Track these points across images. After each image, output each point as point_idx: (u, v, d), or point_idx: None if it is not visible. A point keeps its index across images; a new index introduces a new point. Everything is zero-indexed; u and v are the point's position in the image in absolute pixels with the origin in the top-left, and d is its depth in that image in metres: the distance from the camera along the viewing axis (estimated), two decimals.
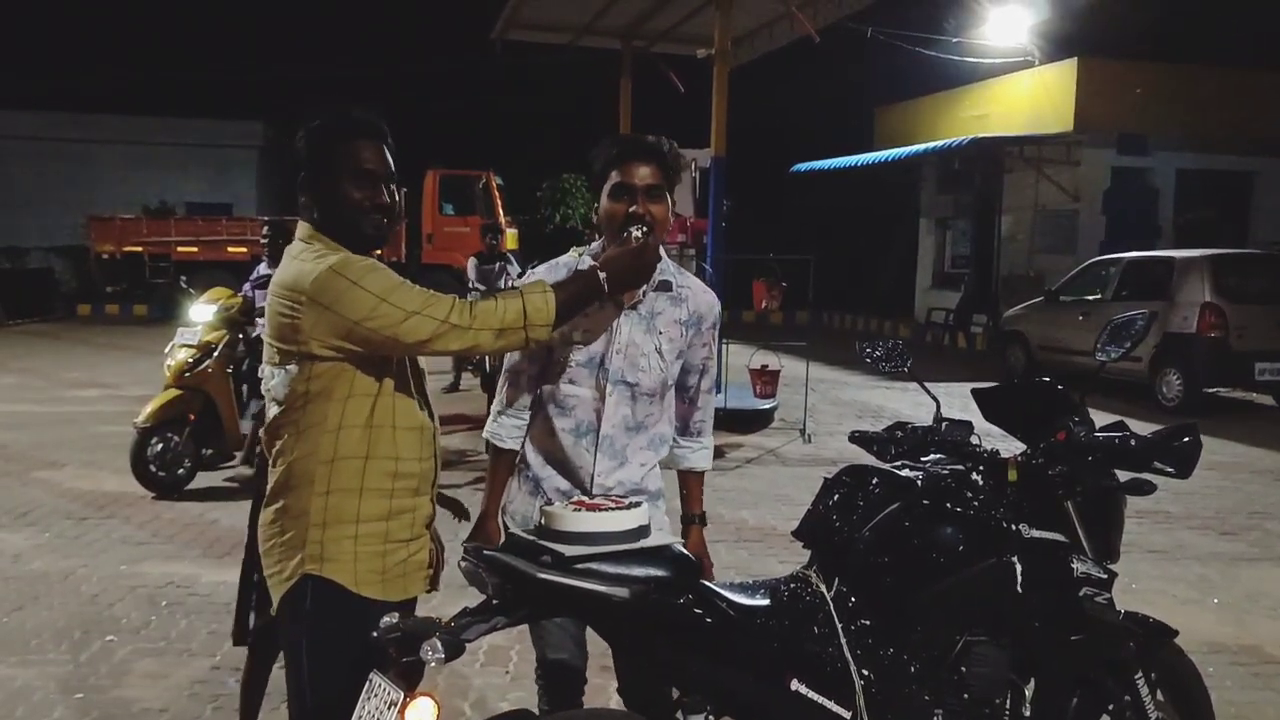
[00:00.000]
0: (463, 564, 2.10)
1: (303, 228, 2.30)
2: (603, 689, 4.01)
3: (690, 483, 2.86)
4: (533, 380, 2.71)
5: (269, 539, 2.28)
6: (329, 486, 2.20)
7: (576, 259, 2.68)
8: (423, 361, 2.39)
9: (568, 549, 2.03)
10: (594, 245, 2.72)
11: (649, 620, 2.09)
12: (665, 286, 2.66)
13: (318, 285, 2.11)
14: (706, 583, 2.20)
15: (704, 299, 2.71)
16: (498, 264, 11.34)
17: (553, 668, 2.72)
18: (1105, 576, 2.58)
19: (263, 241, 7.74)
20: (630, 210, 2.52)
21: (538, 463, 2.69)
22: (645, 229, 2.48)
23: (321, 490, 2.20)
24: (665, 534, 2.42)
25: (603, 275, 2.30)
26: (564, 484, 2.65)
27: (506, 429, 2.72)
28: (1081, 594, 2.52)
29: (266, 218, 9.21)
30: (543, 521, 2.13)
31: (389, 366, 2.23)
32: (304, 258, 2.20)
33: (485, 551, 2.07)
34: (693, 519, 2.83)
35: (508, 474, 2.74)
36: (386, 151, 2.29)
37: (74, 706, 3.86)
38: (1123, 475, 2.60)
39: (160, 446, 6.89)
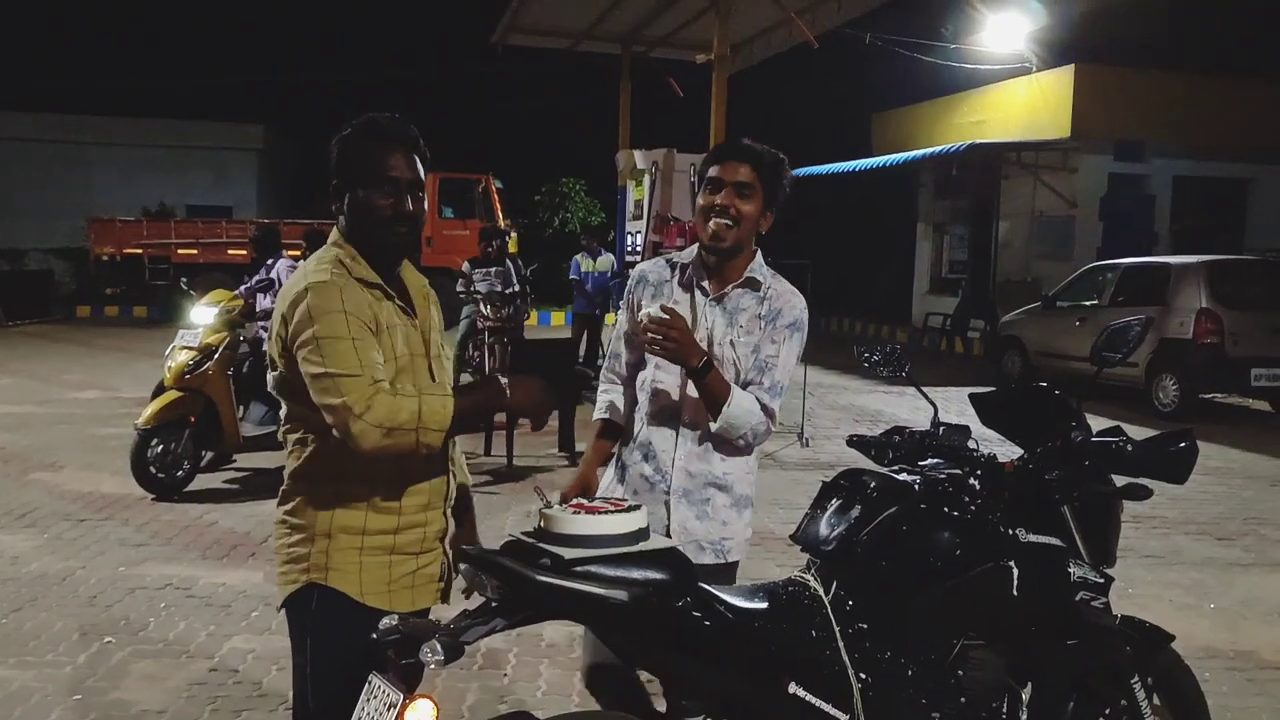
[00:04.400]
0: (462, 567, 2.11)
1: (332, 235, 2.34)
2: None
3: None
4: (630, 365, 2.89)
5: (278, 539, 2.30)
6: (335, 501, 2.22)
7: (665, 265, 2.86)
8: (440, 372, 2.40)
9: (567, 552, 2.04)
10: (686, 252, 2.85)
11: (647, 623, 2.10)
12: (752, 285, 2.77)
13: (292, 297, 2.19)
14: (705, 586, 2.21)
15: (788, 298, 2.79)
16: (495, 269, 11.35)
17: (595, 673, 2.73)
18: (1102, 581, 2.59)
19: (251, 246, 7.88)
20: (715, 204, 2.68)
21: (628, 448, 2.82)
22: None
23: (327, 504, 2.22)
24: (710, 524, 2.55)
25: (505, 385, 2.25)
26: (647, 469, 2.75)
27: (599, 402, 2.95)
28: (1078, 598, 2.53)
29: (254, 221, 9.31)
30: (542, 524, 2.14)
31: (403, 379, 2.23)
32: (307, 268, 2.26)
33: (484, 554, 2.08)
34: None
35: (601, 443, 2.93)
36: (416, 159, 2.28)
37: (72, 708, 3.86)
38: (1119, 480, 2.62)
39: (160, 448, 6.89)
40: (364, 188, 2.24)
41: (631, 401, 2.87)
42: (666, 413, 2.74)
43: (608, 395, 2.95)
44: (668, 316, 2.55)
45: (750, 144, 2.74)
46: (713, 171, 2.72)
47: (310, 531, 2.23)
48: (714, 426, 2.66)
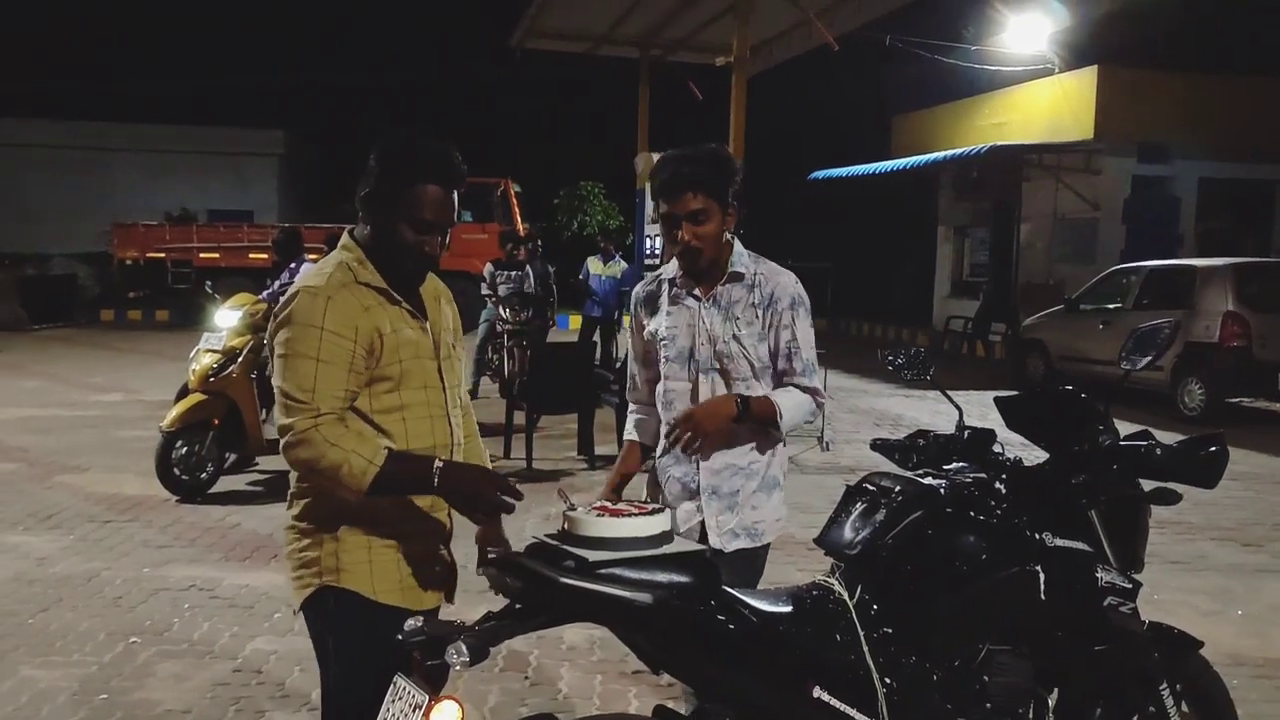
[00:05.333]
0: (487, 569, 2.11)
1: (344, 237, 2.35)
2: (621, 694, 4.03)
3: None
4: (648, 383, 3.02)
5: (289, 544, 2.33)
6: (340, 504, 2.23)
7: (656, 282, 2.98)
8: (449, 374, 2.41)
9: (591, 554, 2.03)
10: (671, 266, 2.93)
11: (671, 626, 2.09)
12: (737, 277, 2.84)
13: (283, 301, 2.24)
14: (729, 589, 2.21)
15: (778, 279, 2.86)
16: (515, 272, 11.38)
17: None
18: (1130, 586, 2.57)
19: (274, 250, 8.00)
20: (677, 239, 2.74)
21: (661, 460, 2.93)
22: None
23: (333, 507, 2.24)
24: (741, 512, 2.61)
25: (437, 471, 2.19)
26: (678, 470, 2.86)
27: (629, 424, 3.07)
28: (1106, 604, 2.51)
29: (275, 225, 9.43)
30: (566, 526, 2.14)
31: (408, 383, 2.27)
32: (314, 268, 2.31)
33: (509, 556, 2.08)
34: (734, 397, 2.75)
35: (629, 461, 3.02)
36: (454, 197, 2.28)
37: (98, 708, 3.88)
38: (1147, 485, 2.59)
39: (184, 450, 6.93)
40: (398, 218, 2.24)
41: (658, 420, 2.97)
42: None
43: (635, 416, 3.07)
44: (683, 433, 2.65)
45: (687, 166, 2.74)
46: (662, 208, 2.78)
47: (319, 535, 2.27)
48: (780, 435, 2.82)
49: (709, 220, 2.74)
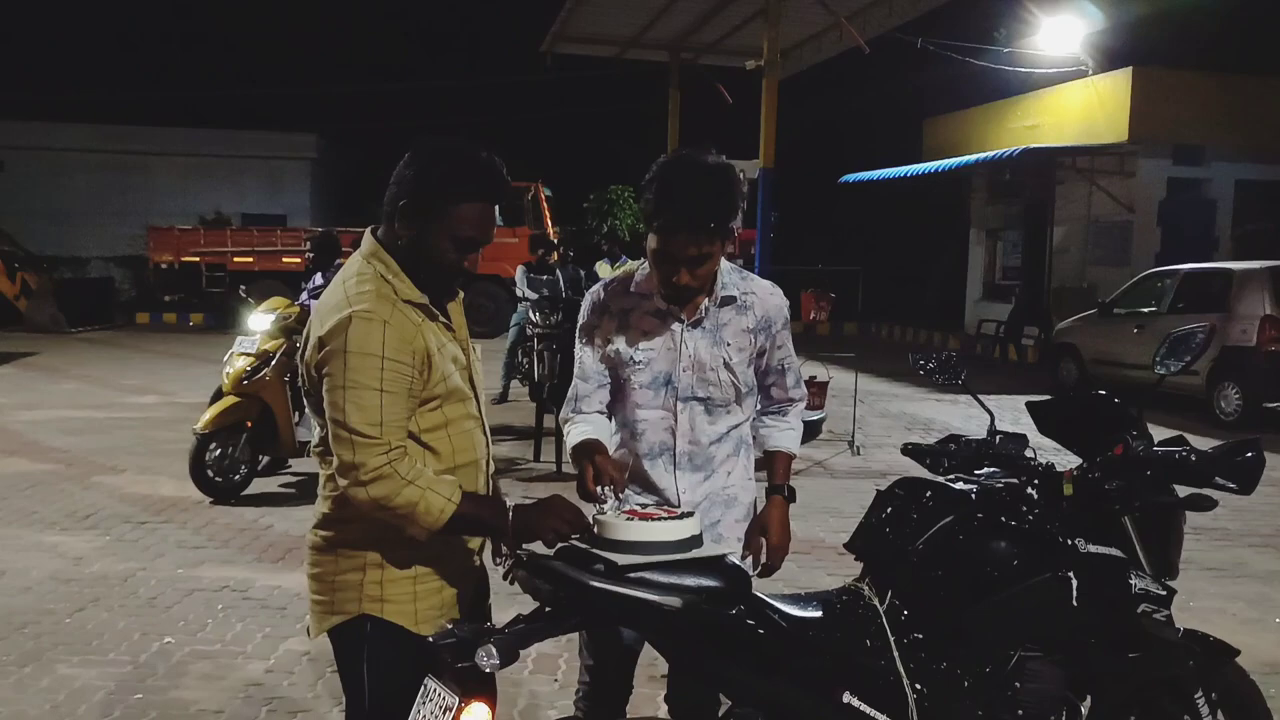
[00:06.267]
0: (518, 572, 2.12)
1: (368, 242, 2.22)
2: (651, 698, 4.02)
3: (775, 460, 2.80)
4: (603, 404, 2.72)
5: (317, 564, 2.22)
6: (383, 528, 2.13)
7: (625, 293, 2.69)
8: (479, 384, 2.35)
9: (620, 558, 2.04)
10: (644, 275, 2.67)
11: (701, 630, 2.09)
12: (728, 301, 2.63)
13: (332, 324, 2.08)
14: (758, 594, 2.20)
15: (771, 302, 2.69)
16: (546, 276, 11.41)
17: (597, 675, 2.74)
18: (1164, 593, 2.54)
19: (307, 255, 8.00)
20: (672, 280, 2.49)
21: (581, 496, 2.57)
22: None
23: (375, 531, 2.15)
24: (721, 544, 2.44)
25: (511, 511, 2.16)
26: (646, 500, 2.63)
27: (572, 435, 2.66)
28: (1139, 610, 2.48)
29: (308, 229, 9.50)
30: (596, 530, 2.14)
31: (451, 398, 2.19)
32: (348, 286, 2.15)
33: (538, 559, 2.09)
34: (775, 489, 2.75)
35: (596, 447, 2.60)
36: (496, 212, 2.21)
37: (132, 707, 3.93)
38: (1182, 491, 2.56)
39: (218, 452, 7.00)
40: (440, 232, 2.14)
41: (608, 430, 2.71)
42: (659, 448, 2.66)
43: (583, 425, 2.66)
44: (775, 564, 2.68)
45: (702, 209, 2.41)
46: (658, 244, 2.46)
47: (361, 560, 2.17)
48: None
49: (712, 260, 2.50)
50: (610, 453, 2.59)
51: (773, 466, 2.80)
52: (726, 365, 2.61)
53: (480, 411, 2.33)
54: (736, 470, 2.72)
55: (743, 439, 2.74)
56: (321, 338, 2.10)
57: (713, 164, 2.48)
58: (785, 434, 2.80)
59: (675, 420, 2.63)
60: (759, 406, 2.81)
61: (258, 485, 7.31)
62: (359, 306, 2.08)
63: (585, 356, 2.72)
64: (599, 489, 2.34)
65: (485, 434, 2.35)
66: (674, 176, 2.46)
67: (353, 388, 2.05)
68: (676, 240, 2.44)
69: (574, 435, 2.64)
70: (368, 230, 2.26)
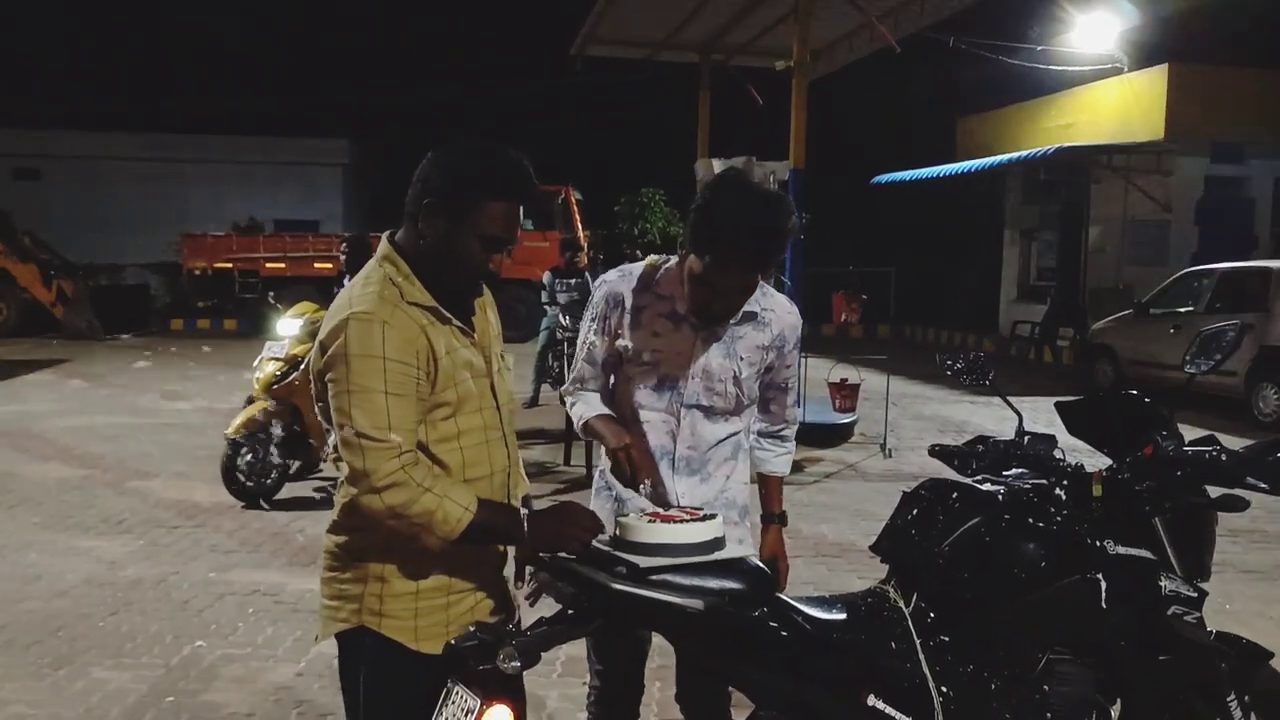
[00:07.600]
0: (540, 574, 2.12)
1: (383, 246, 2.17)
2: (665, 702, 4.00)
3: (769, 484, 2.87)
4: (601, 387, 2.74)
5: (327, 567, 2.19)
6: (389, 539, 2.08)
7: (657, 265, 2.67)
8: (500, 388, 2.26)
9: (643, 560, 2.03)
10: (672, 261, 2.66)
11: (724, 633, 2.08)
12: (749, 316, 2.62)
13: (332, 326, 2.04)
14: (783, 596, 2.19)
15: (788, 320, 2.68)
16: (576, 280, 11.43)
17: (607, 679, 2.74)
18: (1195, 595, 2.50)
19: (341, 258, 8.08)
20: (713, 307, 2.50)
21: (620, 483, 2.61)
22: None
23: (381, 542, 2.09)
24: (744, 546, 2.42)
25: (526, 519, 2.08)
26: (647, 505, 2.56)
27: (578, 409, 2.70)
28: (1170, 613, 2.44)
29: (340, 235, 9.58)
30: (618, 532, 2.13)
31: (464, 408, 2.12)
32: (353, 289, 2.10)
33: (560, 562, 2.08)
34: (772, 517, 2.83)
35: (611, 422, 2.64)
36: (520, 212, 2.14)
37: (165, 710, 3.97)
38: (1214, 491, 2.52)
39: (250, 457, 7.06)
40: (466, 233, 2.08)
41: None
42: (658, 451, 2.65)
43: (590, 398, 2.71)
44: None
45: (752, 248, 2.36)
46: (708, 274, 2.41)
47: (361, 571, 2.12)
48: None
49: (753, 290, 2.53)
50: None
51: (768, 491, 2.85)
52: (735, 378, 2.62)
53: (502, 422, 2.25)
54: (734, 475, 2.74)
55: (740, 444, 2.75)
56: (323, 341, 2.06)
57: (770, 197, 2.41)
58: (781, 459, 2.86)
59: (677, 425, 2.64)
60: (755, 425, 2.82)
61: (289, 490, 7.36)
62: (358, 308, 2.03)
63: (596, 344, 2.70)
64: (641, 486, 2.42)
65: (507, 445, 2.26)
66: (731, 208, 2.37)
67: (357, 391, 1.99)
68: (727, 276, 2.41)
69: (583, 409, 2.67)
70: (385, 235, 2.20)
